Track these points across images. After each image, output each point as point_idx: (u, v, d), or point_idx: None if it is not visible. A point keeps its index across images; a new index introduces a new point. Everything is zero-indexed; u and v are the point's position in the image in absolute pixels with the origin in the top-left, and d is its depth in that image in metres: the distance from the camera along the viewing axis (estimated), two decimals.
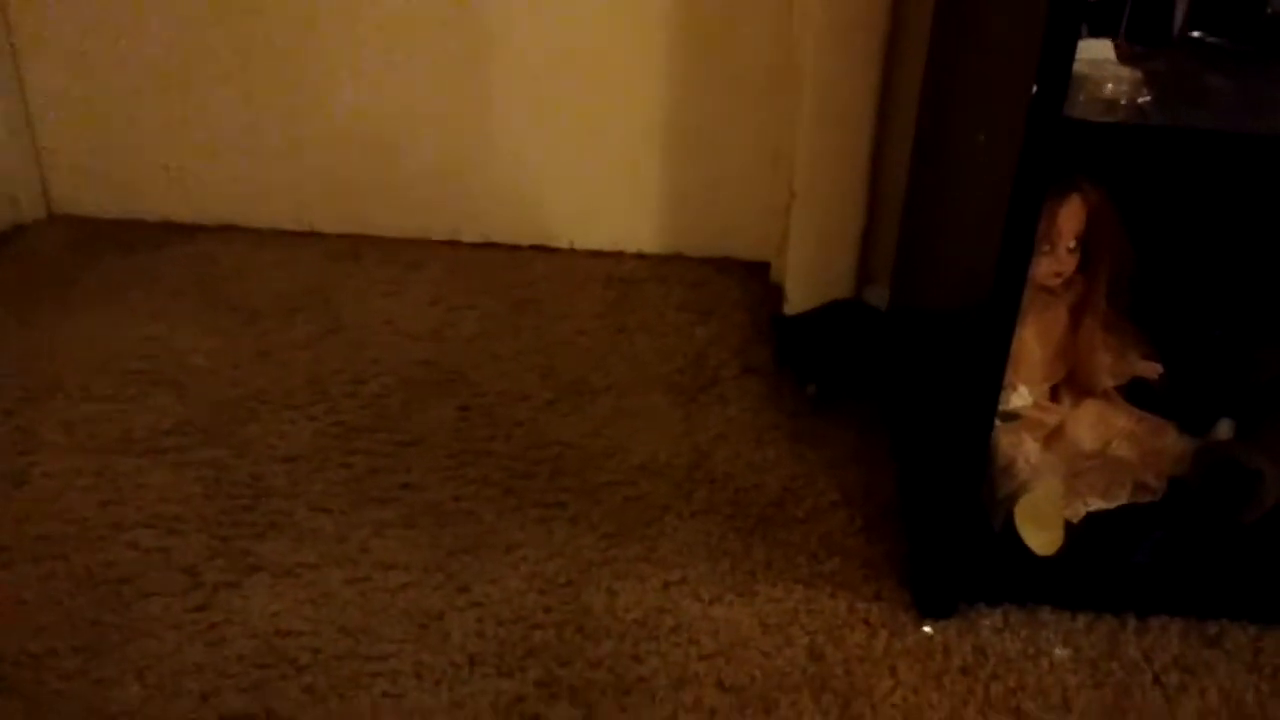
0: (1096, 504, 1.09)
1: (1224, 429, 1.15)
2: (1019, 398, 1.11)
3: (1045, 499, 1.05)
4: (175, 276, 1.53)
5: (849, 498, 1.18)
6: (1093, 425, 1.13)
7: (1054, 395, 1.15)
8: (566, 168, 1.60)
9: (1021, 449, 1.08)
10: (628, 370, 1.37)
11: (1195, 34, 1.01)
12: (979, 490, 1.04)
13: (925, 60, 1.30)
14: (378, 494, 1.16)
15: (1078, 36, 0.82)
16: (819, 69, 1.35)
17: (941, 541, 1.04)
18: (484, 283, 1.55)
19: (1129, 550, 1.07)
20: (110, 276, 1.52)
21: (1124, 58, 0.93)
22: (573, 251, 1.64)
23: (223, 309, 1.46)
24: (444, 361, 1.38)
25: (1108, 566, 1.06)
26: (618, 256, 1.63)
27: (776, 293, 1.51)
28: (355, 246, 1.62)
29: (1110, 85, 0.89)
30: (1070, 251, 1.07)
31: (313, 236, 1.64)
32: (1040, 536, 1.05)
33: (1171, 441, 1.13)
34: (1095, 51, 0.92)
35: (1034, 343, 1.11)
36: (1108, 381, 1.14)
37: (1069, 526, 1.06)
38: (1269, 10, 0.99)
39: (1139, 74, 0.90)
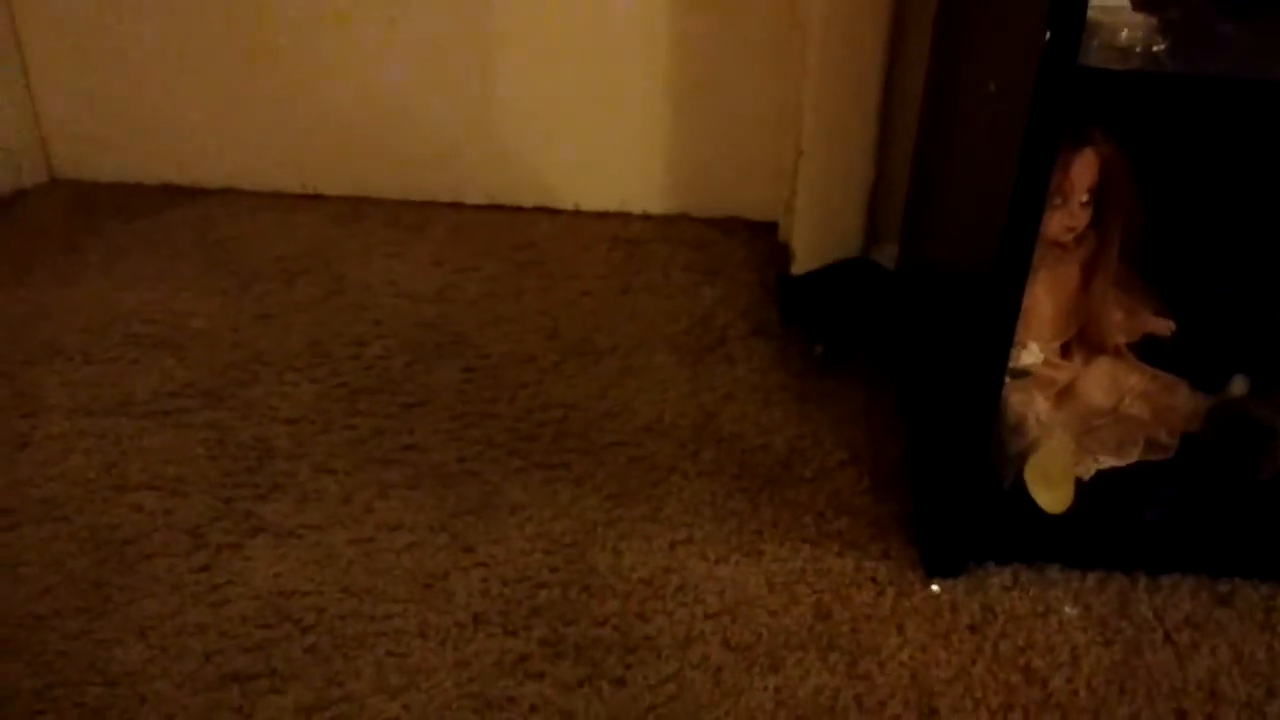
0: (1108, 462, 1.08)
1: (1238, 386, 1.14)
2: (1029, 355, 1.10)
3: (1056, 457, 1.04)
4: (176, 240, 1.51)
5: (856, 457, 1.17)
6: (1104, 383, 1.12)
7: (1065, 352, 1.13)
8: (571, 128, 1.57)
9: (1032, 407, 1.06)
10: (633, 331, 1.36)
11: None
12: (988, 448, 1.03)
13: (935, 11, 1.27)
14: (381, 455, 1.15)
15: None
16: (826, 23, 1.33)
17: (950, 500, 1.03)
18: (488, 244, 1.53)
19: (1140, 508, 1.06)
20: (111, 240, 1.51)
21: (1138, 5, 0.91)
22: (577, 213, 1.62)
23: (224, 272, 1.45)
24: (448, 323, 1.37)
25: (1119, 524, 1.05)
26: (623, 217, 1.61)
27: (783, 252, 1.50)
28: (357, 208, 1.60)
29: (1125, 32, 0.87)
30: (1083, 205, 1.05)
31: (314, 199, 1.62)
32: (1050, 494, 1.04)
33: (1184, 399, 1.12)
34: None
35: (1045, 299, 1.09)
36: (1120, 338, 1.12)
37: (1080, 484, 1.05)
38: None
39: (1154, 21, 0.88)
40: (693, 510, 1.09)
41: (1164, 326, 1.12)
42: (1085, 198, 1.05)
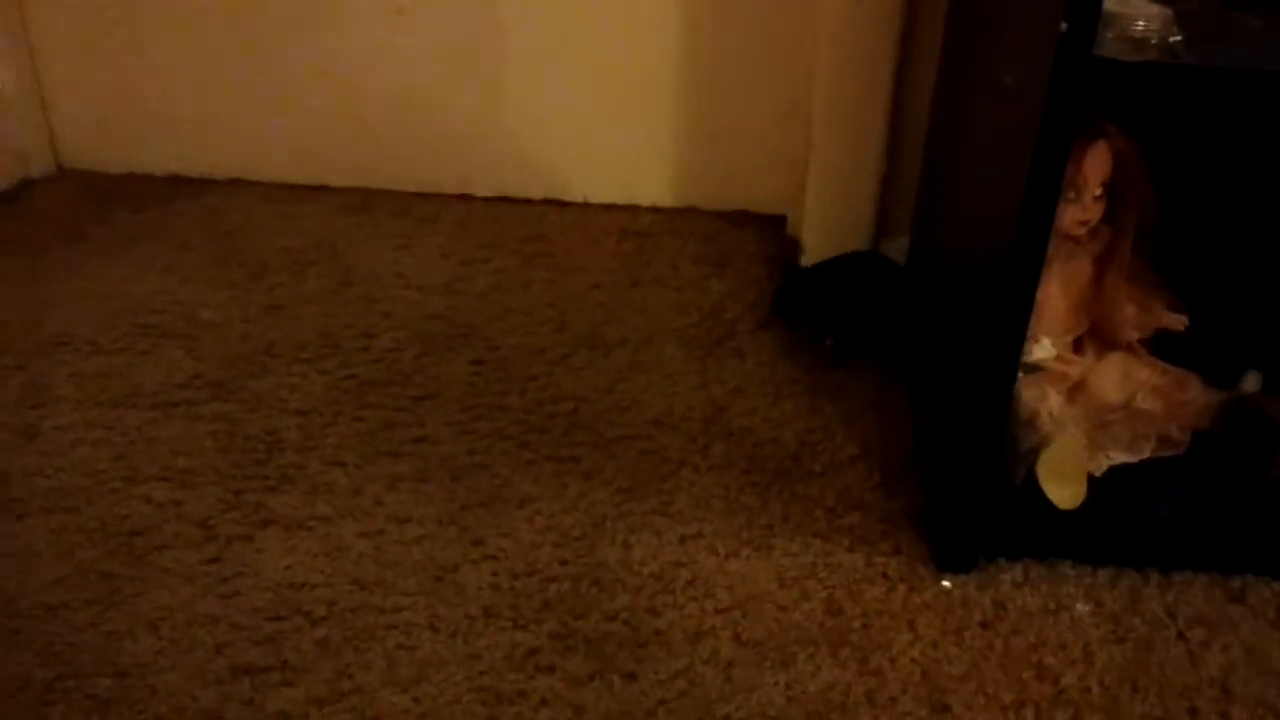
0: (1120, 457, 1.08)
1: (1251, 382, 1.13)
2: (1041, 350, 1.09)
3: (1068, 452, 1.03)
4: (184, 230, 1.51)
5: (867, 451, 1.16)
6: (1117, 378, 1.11)
7: (1077, 347, 1.13)
8: (579, 120, 1.57)
9: (1044, 402, 1.06)
10: (642, 324, 1.36)
11: None
12: (1000, 443, 1.02)
13: (947, 2, 1.26)
14: (391, 448, 1.15)
15: None
16: (838, 14, 1.32)
17: (961, 495, 1.02)
18: (496, 236, 1.53)
19: (1152, 504, 1.05)
20: (119, 231, 1.51)
21: None
22: (586, 205, 1.62)
23: (232, 263, 1.45)
24: (457, 316, 1.36)
25: (1131, 521, 1.05)
26: (631, 210, 1.61)
27: (793, 245, 1.49)
28: (365, 200, 1.60)
29: (1141, 23, 0.87)
30: (1096, 199, 1.05)
31: (322, 190, 1.62)
32: (1062, 490, 1.03)
33: (1197, 394, 1.11)
34: None
35: (1057, 293, 1.09)
36: (1132, 334, 1.12)
37: (1091, 480, 1.05)
38: None
39: (1169, 12, 0.87)
40: (703, 504, 1.09)
41: (1177, 321, 1.11)
42: (1098, 191, 1.04)
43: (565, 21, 1.50)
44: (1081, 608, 1.00)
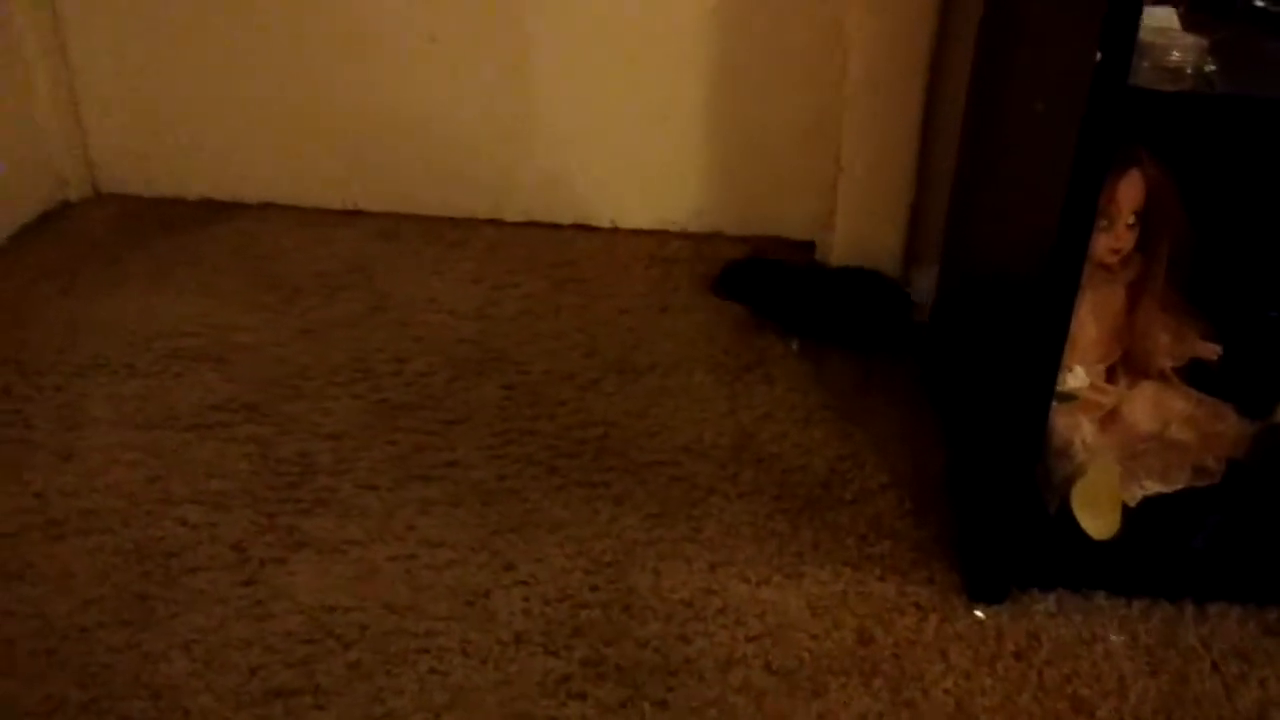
0: (1154, 487, 1.07)
1: None
2: (1075, 378, 1.09)
3: (1102, 482, 1.03)
4: (219, 254, 1.53)
5: (898, 479, 1.16)
6: (1150, 407, 1.10)
7: (1110, 376, 1.12)
8: (609, 146, 1.58)
9: (1078, 431, 1.05)
10: (671, 349, 1.36)
11: (1259, 3, 0.98)
12: (1033, 473, 1.02)
13: (978, 27, 1.26)
14: (423, 472, 1.15)
15: (1142, 3, 0.80)
16: (867, 40, 1.33)
17: (994, 525, 1.02)
18: (526, 261, 1.54)
19: (1187, 535, 1.04)
20: (155, 254, 1.53)
21: (1188, 26, 0.90)
22: (614, 230, 1.63)
23: (266, 287, 1.46)
24: (487, 340, 1.37)
25: (1165, 551, 1.04)
26: (660, 235, 1.61)
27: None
28: (397, 225, 1.61)
29: (1175, 53, 0.87)
30: (1129, 227, 1.04)
31: (355, 215, 1.64)
32: (1096, 520, 1.02)
33: (1231, 424, 1.10)
34: (1159, 19, 0.89)
35: (1090, 322, 1.08)
36: (1166, 363, 1.11)
37: (1126, 510, 1.04)
38: None
39: (1204, 42, 0.87)
40: (733, 531, 1.09)
41: (1211, 350, 1.10)
42: (1131, 219, 1.04)
43: (594, 49, 1.52)
44: (1116, 639, 0.99)
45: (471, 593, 1.01)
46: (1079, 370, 1.09)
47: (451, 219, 1.63)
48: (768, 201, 1.59)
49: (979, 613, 1.01)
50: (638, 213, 1.62)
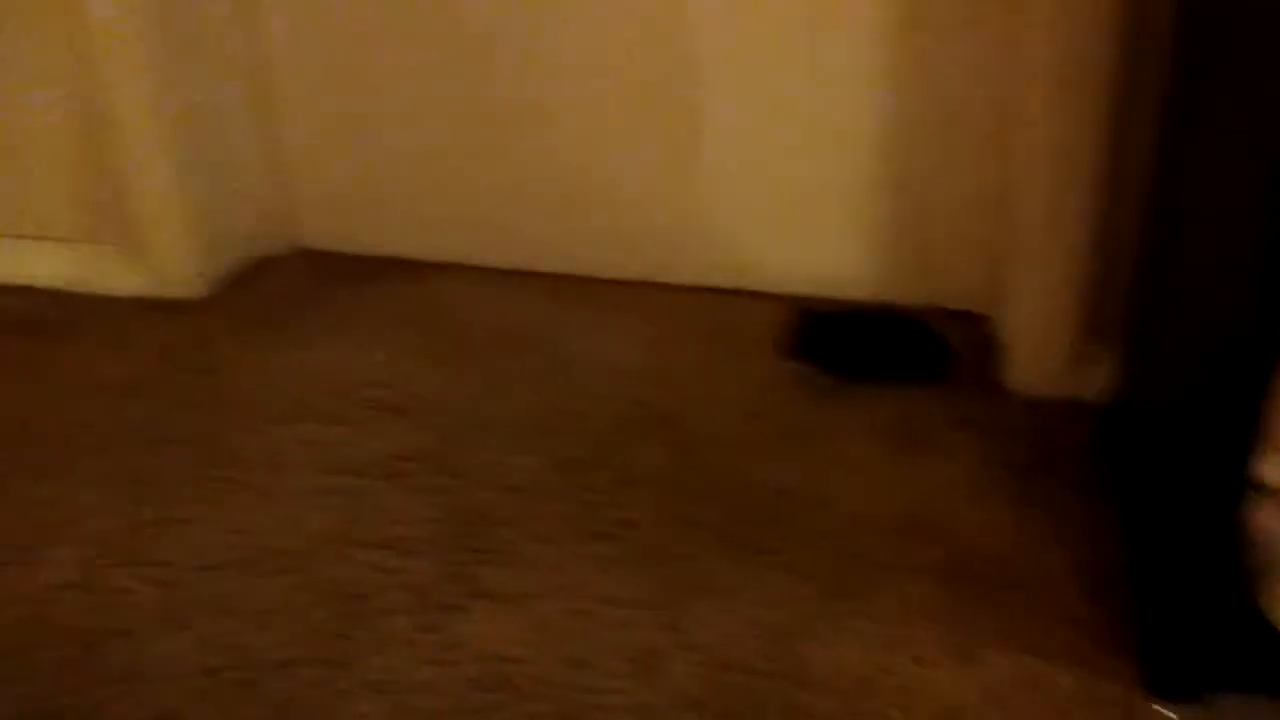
0: None
1: None
2: (1272, 466, 1.05)
3: None
4: (406, 310, 1.61)
5: (1078, 564, 1.13)
6: None
7: None
8: (780, 213, 1.61)
9: (1276, 523, 1.01)
10: (841, 418, 1.36)
11: None
12: (1223, 569, 0.98)
13: (1165, 91, 1.23)
14: (597, 528, 1.18)
15: None
16: (1045, 107, 1.31)
17: (1180, 621, 0.98)
18: (693, 324, 1.57)
19: None
20: (349, 307, 1.62)
21: None
22: (780, 296, 1.64)
23: (450, 342, 1.53)
24: (657, 401, 1.40)
25: None
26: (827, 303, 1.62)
27: (993, 344, 1.48)
28: (571, 285, 1.67)
29: None
30: None
31: (531, 275, 1.70)
32: None
33: None
34: None
35: None
36: None
37: None
38: None
39: None
40: (905, 608, 1.08)
41: None
42: None
43: (769, 116, 1.55)
44: None
45: (645, 653, 1.03)
46: (1276, 458, 1.05)
47: (622, 281, 1.68)
48: (939, 272, 1.58)
49: (1165, 710, 0.97)
50: (804, 279, 1.63)
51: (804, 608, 1.08)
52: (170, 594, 1.11)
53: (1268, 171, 0.84)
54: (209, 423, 1.37)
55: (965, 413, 1.37)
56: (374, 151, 1.70)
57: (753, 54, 1.53)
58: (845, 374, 1.41)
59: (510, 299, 1.64)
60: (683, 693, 0.99)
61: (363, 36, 1.64)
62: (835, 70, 1.51)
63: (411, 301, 1.64)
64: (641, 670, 1.02)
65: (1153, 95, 1.25)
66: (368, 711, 0.98)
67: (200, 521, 1.21)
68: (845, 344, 1.43)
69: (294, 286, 1.70)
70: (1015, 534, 1.17)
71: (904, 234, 1.57)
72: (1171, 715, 0.96)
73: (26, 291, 1.71)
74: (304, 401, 1.41)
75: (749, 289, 1.65)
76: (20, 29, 1.62)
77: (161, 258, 1.67)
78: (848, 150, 1.54)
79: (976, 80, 1.46)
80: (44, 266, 1.72)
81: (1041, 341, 1.42)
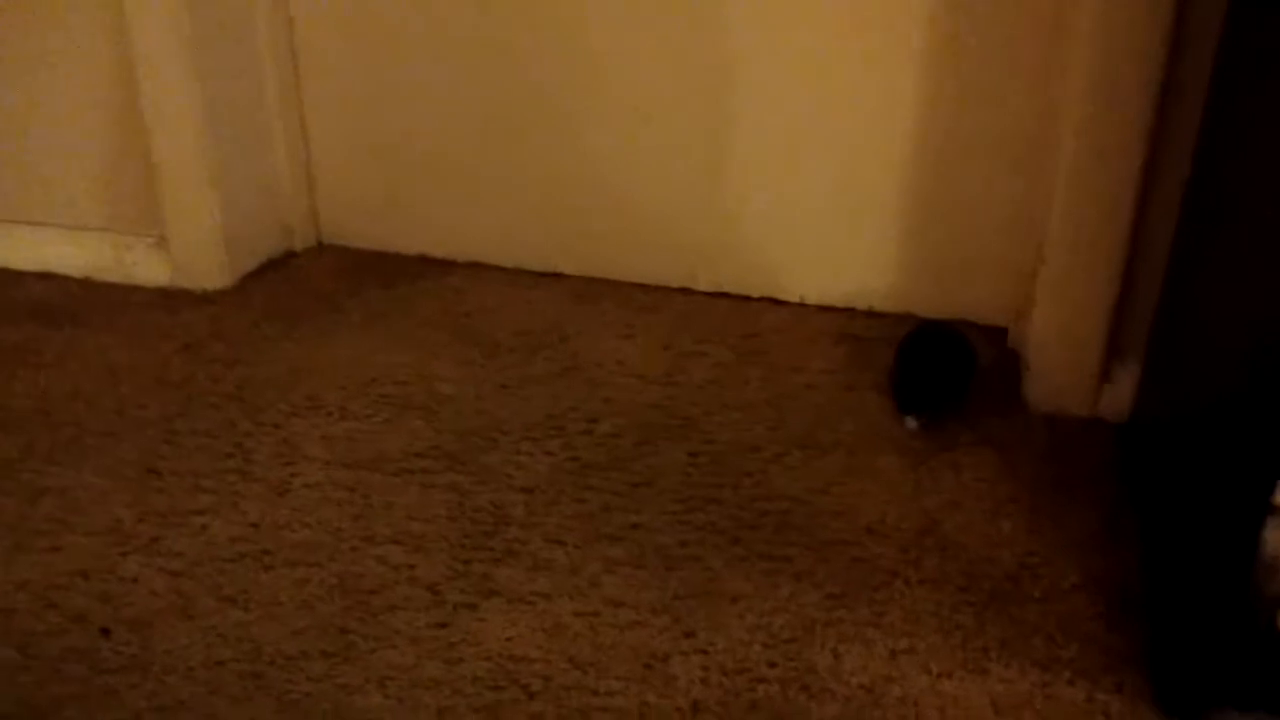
0: None
1: None
2: None
3: None
4: (428, 309, 1.62)
5: (1090, 580, 1.12)
6: None
7: None
8: (803, 222, 1.61)
9: None
10: (857, 428, 1.36)
11: None
12: (1238, 588, 0.97)
13: (1203, 111, 1.23)
14: (609, 531, 1.19)
15: None
16: (1079, 125, 1.30)
17: (1191, 638, 0.97)
18: (715, 331, 1.57)
19: None
20: (370, 304, 1.63)
21: None
22: (803, 305, 1.64)
23: (469, 341, 1.54)
24: (675, 406, 1.40)
25: None
26: (849, 313, 1.62)
27: (1014, 360, 1.47)
28: (594, 288, 1.68)
29: None
30: None
31: (554, 277, 1.71)
32: None
33: None
34: None
35: None
36: None
37: None
38: None
39: None
40: (915, 619, 1.08)
41: None
42: None
43: (798, 127, 1.55)
44: None
45: (651, 655, 1.03)
46: None
47: (645, 285, 1.68)
48: (962, 285, 1.58)
49: None
50: (828, 288, 1.63)
51: (811, 615, 1.08)
52: (181, 585, 1.12)
53: None
54: (227, 415, 1.39)
55: (986, 428, 1.36)
56: (402, 150, 1.72)
57: (789, 68, 1.53)
58: (940, 415, 1.38)
59: (533, 300, 1.64)
60: (688, 695, 0.99)
61: (393, 36, 1.66)
62: (870, 87, 1.50)
63: (434, 300, 1.65)
64: (648, 673, 1.02)
65: (1189, 116, 1.24)
66: (375, 706, 0.99)
67: (213, 513, 1.22)
68: (934, 383, 1.39)
69: (318, 282, 1.71)
70: (1029, 549, 1.16)
71: (930, 246, 1.57)
72: None
73: (52, 279, 1.74)
74: (322, 396, 1.42)
75: (772, 297, 1.65)
76: (53, 18, 1.64)
77: (187, 249, 1.69)
78: (878, 165, 1.54)
79: (1011, 97, 1.46)
80: (70, 255, 1.75)
81: (1064, 359, 1.41)
